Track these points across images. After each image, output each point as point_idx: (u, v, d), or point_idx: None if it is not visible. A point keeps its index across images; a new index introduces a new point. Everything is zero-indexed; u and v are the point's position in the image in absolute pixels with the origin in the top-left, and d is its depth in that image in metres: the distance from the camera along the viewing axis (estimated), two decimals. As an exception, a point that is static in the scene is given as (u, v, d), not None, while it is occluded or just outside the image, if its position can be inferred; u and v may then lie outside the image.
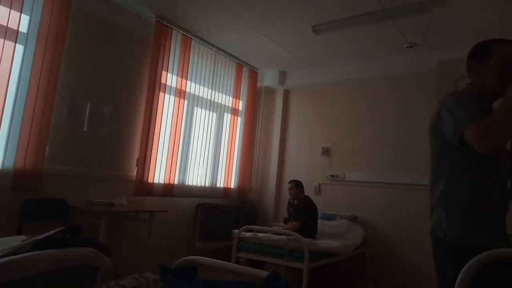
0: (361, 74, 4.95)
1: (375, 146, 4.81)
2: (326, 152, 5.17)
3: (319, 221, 4.34)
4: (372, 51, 4.60)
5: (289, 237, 3.44)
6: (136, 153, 3.96)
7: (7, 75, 2.90)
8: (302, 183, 4.44)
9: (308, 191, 4.69)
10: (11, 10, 2.91)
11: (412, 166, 4.45)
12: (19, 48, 3.01)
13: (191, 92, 4.48)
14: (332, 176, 5.04)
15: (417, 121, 4.54)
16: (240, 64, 5.22)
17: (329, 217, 4.72)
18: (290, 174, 5.35)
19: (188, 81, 4.41)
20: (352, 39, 4.28)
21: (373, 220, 4.66)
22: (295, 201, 4.37)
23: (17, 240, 2.20)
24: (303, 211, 4.17)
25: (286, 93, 5.73)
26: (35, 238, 2.14)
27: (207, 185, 4.74)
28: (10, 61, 2.92)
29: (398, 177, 4.53)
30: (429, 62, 4.35)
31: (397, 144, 4.64)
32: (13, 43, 2.93)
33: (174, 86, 4.25)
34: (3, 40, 2.86)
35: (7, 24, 2.89)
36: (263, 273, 1.40)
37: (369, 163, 4.82)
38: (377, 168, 4.73)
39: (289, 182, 4.43)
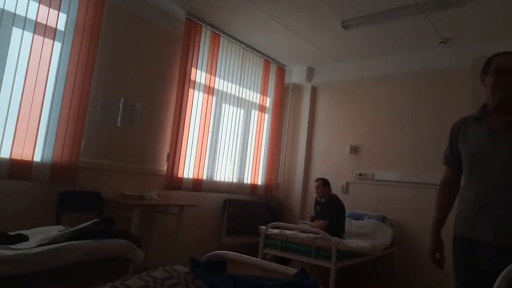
0: (392, 71, 4.82)
1: (406, 145, 4.68)
2: (355, 150, 5.08)
3: (346, 220, 4.29)
4: (404, 46, 4.47)
5: (316, 235, 3.41)
6: (166, 148, 4.04)
7: (46, 72, 3.03)
8: (329, 181, 4.39)
9: (336, 189, 4.64)
10: (50, 8, 3.03)
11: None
12: (57, 45, 3.12)
13: (219, 88, 4.52)
14: (360, 175, 4.96)
15: (451, 119, 4.35)
16: (267, 61, 5.22)
17: (357, 217, 4.65)
18: (317, 172, 5.31)
19: (216, 78, 4.45)
20: (382, 34, 4.18)
21: (402, 220, 4.55)
22: (322, 199, 4.33)
23: (55, 230, 2.31)
24: (330, 209, 4.13)
25: (314, 90, 5.67)
26: (72, 228, 2.24)
27: (234, 181, 4.78)
28: (49, 58, 3.04)
29: (430, 177, 4.37)
30: (464, 57, 4.18)
31: (430, 143, 4.49)
32: (51, 41, 3.05)
33: (203, 82, 4.30)
34: (42, 38, 2.99)
35: (46, 22, 3.01)
36: (291, 270, 1.40)
37: (399, 162, 4.70)
38: (408, 168, 4.61)
39: (316, 180, 4.39)
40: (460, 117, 1.87)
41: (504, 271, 1.09)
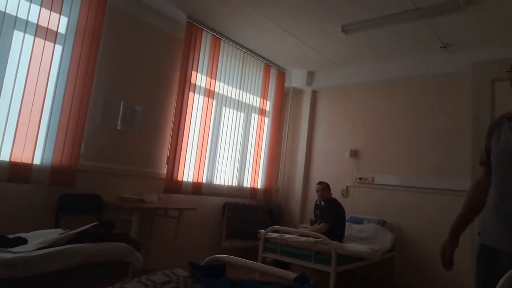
0: (392, 75, 4.84)
1: (406, 149, 4.68)
2: (355, 154, 5.08)
3: (346, 224, 4.27)
4: (404, 51, 4.48)
5: (316, 239, 3.41)
6: (166, 152, 4.04)
7: (47, 75, 3.03)
8: (329, 185, 4.38)
9: (336, 193, 4.63)
10: (52, 12, 3.04)
11: (445, 170, 4.30)
12: (58, 48, 3.13)
13: (219, 92, 4.53)
14: (360, 179, 4.96)
15: (451, 124, 4.39)
16: (268, 65, 5.23)
17: (357, 221, 4.64)
18: (317, 176, 5.30)
19: (217, 81, 4.46)
20: (383, 39, 4.20)
21: (403, 225, 4.54)
22: (322, 203, 4.32)
23: (54, 233, 2.30)
24: (331, 212, 4.11)
25: (314, 93, 5.68)
26: (71, 232, 2.23)
27: (234, 184, 4.78)
28: (50, 61, 3.05)
29: (431, 182, 4.39)
30: (464, 62, 4.20)
31: (430, 148, 4.50)
32: (52, 44, 3.06)
33: (204, 86, 4.31)
34: (43, 41, 3.00)
35: (48, 25, 3.02)
36: (291, 275, 1.40)
37: (399, 167, 4.70)
38: (408, 172, 4.61)
39: (319, 183, 4.35)
40: (498, 116, 1.70)
41: (506, 275, 1.08)
